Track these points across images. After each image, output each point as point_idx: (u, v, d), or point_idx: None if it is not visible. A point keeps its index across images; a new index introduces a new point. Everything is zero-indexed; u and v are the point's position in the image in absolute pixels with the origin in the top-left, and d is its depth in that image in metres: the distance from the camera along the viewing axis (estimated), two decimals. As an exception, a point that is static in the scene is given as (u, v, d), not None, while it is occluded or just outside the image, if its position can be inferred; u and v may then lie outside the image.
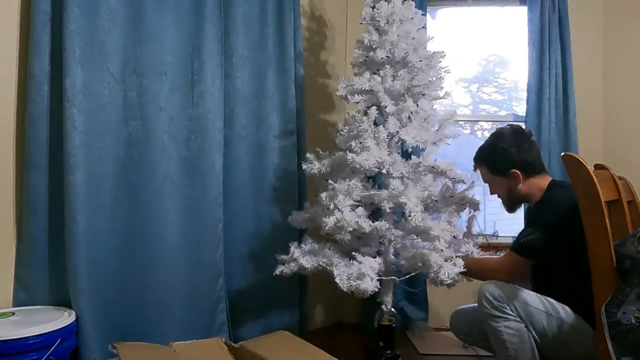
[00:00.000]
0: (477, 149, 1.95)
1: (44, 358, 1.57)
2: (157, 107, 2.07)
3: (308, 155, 2.14)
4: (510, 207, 1.93)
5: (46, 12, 1.81)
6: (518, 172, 1.80)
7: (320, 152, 2.15)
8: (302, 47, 2.60)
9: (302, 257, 1.94)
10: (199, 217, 2.20)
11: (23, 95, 1.82)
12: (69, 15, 1.80)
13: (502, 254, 1.82)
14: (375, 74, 2.11)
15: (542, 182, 1.82)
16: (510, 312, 1.59)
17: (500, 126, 2.00)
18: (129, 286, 2.01)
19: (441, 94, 2.13)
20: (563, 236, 1.62)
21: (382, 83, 2.06)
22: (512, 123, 2.09)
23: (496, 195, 1.93)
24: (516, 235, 1.79)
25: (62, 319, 1.70)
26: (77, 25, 1.82)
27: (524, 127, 2.09)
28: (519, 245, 1.71)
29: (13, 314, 1.72)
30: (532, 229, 1.70)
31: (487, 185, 1.95)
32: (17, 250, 1.84)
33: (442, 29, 3.11)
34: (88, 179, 1.87)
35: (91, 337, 1.82)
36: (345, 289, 1.81)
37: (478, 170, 1.95)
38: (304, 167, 2.12)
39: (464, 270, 1.77)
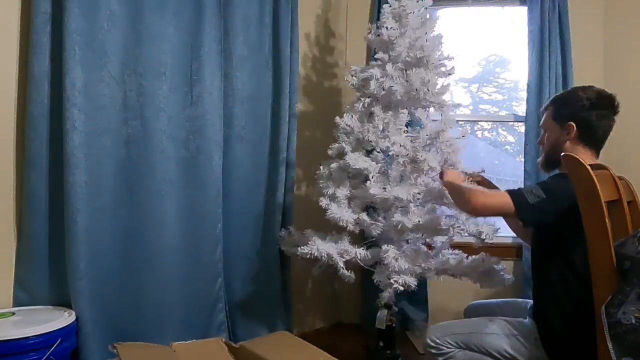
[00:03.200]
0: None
1: (44, 358, 1.57)
2: (157, 107, 2.07)
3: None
4: (547, 163, 1.73)
5: (46, 12, 1.81)
6: (574, 125, 1.62)
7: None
8: (299, 48, 2.60)
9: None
10: (198, 217, 2.20)
11: (23, 95, 1.82)
12: (69, 15, 1.80)
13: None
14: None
15: (587, 157, 1.61)
16: (448, 347, 1.62)
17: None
18: (129, 286, 2.01)
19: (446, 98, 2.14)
20: (561, 218, 1.48)
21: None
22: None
23: (540, 147, 1.77)
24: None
25: (62, 319, 1.70)
26: (77, 25, 1.82)
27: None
28: (519, 192, 1.52)
29: (13, 314, 1.72)
30: (541, 189, 1.51)
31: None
32: (17, 250, 1.84)
33: (442, 29, 3.10)
34: (88, 179, 1.87)
35: (91, 337, 1.82)
36: None
37: (544, 114, 1.76)
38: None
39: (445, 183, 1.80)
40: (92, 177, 1.89)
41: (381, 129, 2.10)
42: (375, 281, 2.00)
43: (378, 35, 2.21)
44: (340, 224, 1.99)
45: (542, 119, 1.77)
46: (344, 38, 3.02)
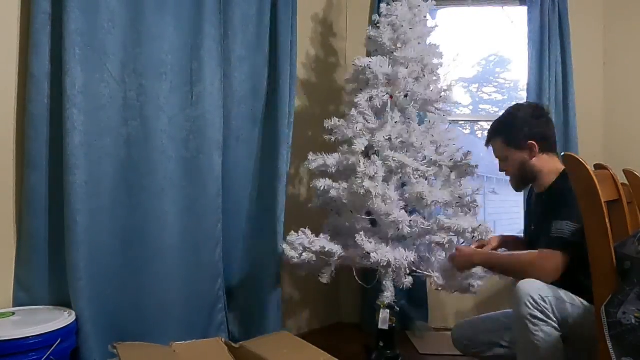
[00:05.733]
0: (492, 123, 1.86)
1: (44, 358, 1.56)
2: (157, 107, 2.07)
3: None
4: (519, 184, 1.82)
5: (46, 12, 1.81)
6: (534, 142, 1.71)
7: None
8: (297, 47, 2.60)
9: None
10: (198, 217, 2.20)
11: (23, 95, 1.82)
12: (69, 15, 1.79)
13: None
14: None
15: (555, 163, 1.73)
16: (552, 316, 1.46)
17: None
18: (129, 286, 2.01)
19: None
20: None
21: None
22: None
23: (504, 173, 1.84)
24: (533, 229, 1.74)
25: (62, 319, 1.69)
26: (77, 25, 1.82)
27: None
28: (562, 241, 1.54)
29: (13, 314, 1.72)
30: (567, 220, 1.55)
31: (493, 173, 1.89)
32: (17, 250, 1.84)
33: (442, 29, 3.10)
34: (88, 179, 1.87)
35: (91, 337, 1.82)
36: None
37: (490, 147, 1.85)
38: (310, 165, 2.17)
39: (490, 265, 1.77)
40: (92, 177, 1.89)
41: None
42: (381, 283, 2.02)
43: (376, 42, 2.26)
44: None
45: (495, 150, 1.84)
46: (344, 37, 3.02)
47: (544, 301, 1.46)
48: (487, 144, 1.86)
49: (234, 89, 2.36)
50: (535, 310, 1.45)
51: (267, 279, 2.42)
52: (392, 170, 2.08)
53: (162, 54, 2.08)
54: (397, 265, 1.96)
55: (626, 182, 1.63)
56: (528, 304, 1.46)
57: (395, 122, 2.16)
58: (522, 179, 1.80)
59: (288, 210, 2.49)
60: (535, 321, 1.45)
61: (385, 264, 1.97)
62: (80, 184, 1.84)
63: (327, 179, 2.20)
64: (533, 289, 1.48)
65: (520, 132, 1.74)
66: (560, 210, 1.60)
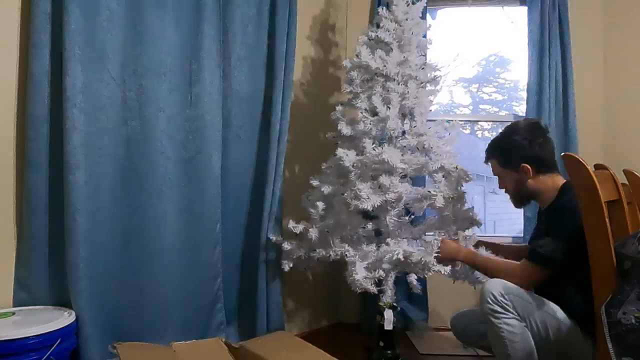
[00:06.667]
0: (490, 141, 1.91)
1: (44, 358, 1.57)
2: (156, 107, 2.07)
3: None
4: (518, 202, 1.88)
5: (46, 12, 1.81)
6: (528, 166, 1.76)
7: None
8: (295, 48, 2.59)
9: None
10: (197, 217, 2.20)
11: (23, 95, 1.82)
12: (69, 15, 1.80)
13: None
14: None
15: (554, 180, 1.77)
16: (512, 310, 1.57)
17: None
18: (128, 286, 2.01)
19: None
20: (582, 245, 1.51)
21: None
22: (529, 117, 2.04)
23: (504, 190, 1.90)
24: (523, 238, 1.78)
25: (62, 319, 1.70)
26: (77, 25, 1.82)
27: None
28: (540, 256, 1.64)
29: (13, 314, 1.72)
30: (551, 238, 1.64)
31: (495, 180, 1.92)
32: (17, 250, 1.84)
33: (442, 29, 3.11)
34: (88, 178, 1.87)
35: (91, 337, 1.82)
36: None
37: (489, 163, 1.90)
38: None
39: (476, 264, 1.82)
40: (92, 177, 1.89)
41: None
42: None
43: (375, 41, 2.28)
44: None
45: (492, 168, 1.89)
46: (344, 37, 3.02)
47: (504, 298, 1.57)
48: (485, 162, 1.92)
49: (233, 89, 2.36)
50: (495, 305, 1.56)
51: (267, 278, 2.42)
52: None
53: (161, 54, 2.08)
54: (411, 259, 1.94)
55: (626, 182, 1.63)
56: (489, 299, 1.57)
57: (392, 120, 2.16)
58: (519, 197, 1.87)
59: (288, 210, 2.49)
60: (497, 314, 1.57)
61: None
62: (80, 184, 1.84)
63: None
64: (495, 286, 1.59)
65: (515, 155, 1.78)
66: (550, 227, 1.69)
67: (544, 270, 1.65)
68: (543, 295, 1.65)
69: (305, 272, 2.23)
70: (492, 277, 1.74)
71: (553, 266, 1.63)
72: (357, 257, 1.99)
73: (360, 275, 1.91)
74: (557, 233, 1.64)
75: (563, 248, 1.60)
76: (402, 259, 1.90)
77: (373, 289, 1.94)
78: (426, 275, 1.97)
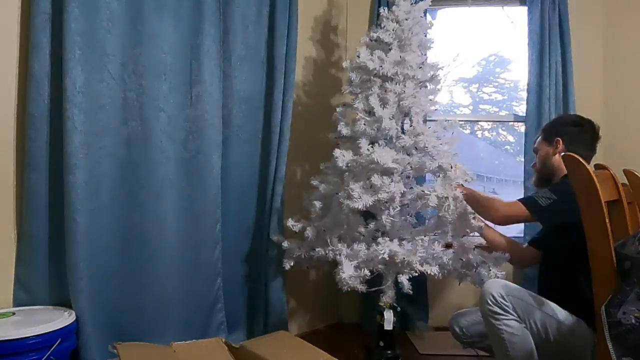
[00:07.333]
0: None
1: (44, 358, 1.57)
2: (156, 107, 2.07)
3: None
4: (538, 180, 1.96)
5: (46, 12, 1.81)
6: (560, 140, 1.86)
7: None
8: (296, 48, 2.59)
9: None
10: (197, 217, 2.20)
11: (23, 95, 1.82)
12: (69, 15, 1.80)
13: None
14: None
15: None
16: (512, 311, 1.57)
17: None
18: (128, 286, 2.01)
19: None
20: (574, 218, 1.50)
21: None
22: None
23: (533, 169, 2.00)
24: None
25: (62, 319, 1.70)
26: (77, 25, 1.82)
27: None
28: (531, 198, 1.74)
29: (13, 314, 1.72)
30: (551, 192, 1.72)
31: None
32: (17, 250, 1.84)
33: (442, 29, 3.11)
34: (88, 178, 1.87)
35: (91, 337, 1.82)
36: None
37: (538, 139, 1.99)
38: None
39: (465, 196, 1.91)
40: (92, 177, 1.89)
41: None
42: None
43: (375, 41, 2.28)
44: None
45: (535, 143, 2.00)
46: (345, 38, 3.02)
47: (504, 299, 1.57)
48: (535, 139, 2.04)
49: (233, 89, 2.36)
50: (495, 307, 1.57)
51: (267, 278, 2.43)
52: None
53: (161, 54, 2.08)
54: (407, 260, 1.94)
55: (626, 182, 1.63)
56: (489, 301, 1.58)
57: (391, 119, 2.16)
58: (542, 173, 1.94)
59: (291, 211, 2.49)
60: (497, 316, 1.57)
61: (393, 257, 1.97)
62: (80, 184, 1.84)
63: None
64: (495, 287, 1.60)
65: (555, 128, 1.93)
66: (553, 185, 1.80)
67: (525, 213, 1.72)
68: (555, 281, 1.66)
69: (308, 270, 2.22)
70: (476, 209, 1.91)
71: (538, 212, 1.70)
72: (343, 255, 1.99)
73: (347, 274, 1.92)
74: (556, 190, 1.72)
75: (555, 203, 1.67)
76: (387, 259, 1.90)
77: (362, 288, 1.95)
78: (414, 275, 1.97)
